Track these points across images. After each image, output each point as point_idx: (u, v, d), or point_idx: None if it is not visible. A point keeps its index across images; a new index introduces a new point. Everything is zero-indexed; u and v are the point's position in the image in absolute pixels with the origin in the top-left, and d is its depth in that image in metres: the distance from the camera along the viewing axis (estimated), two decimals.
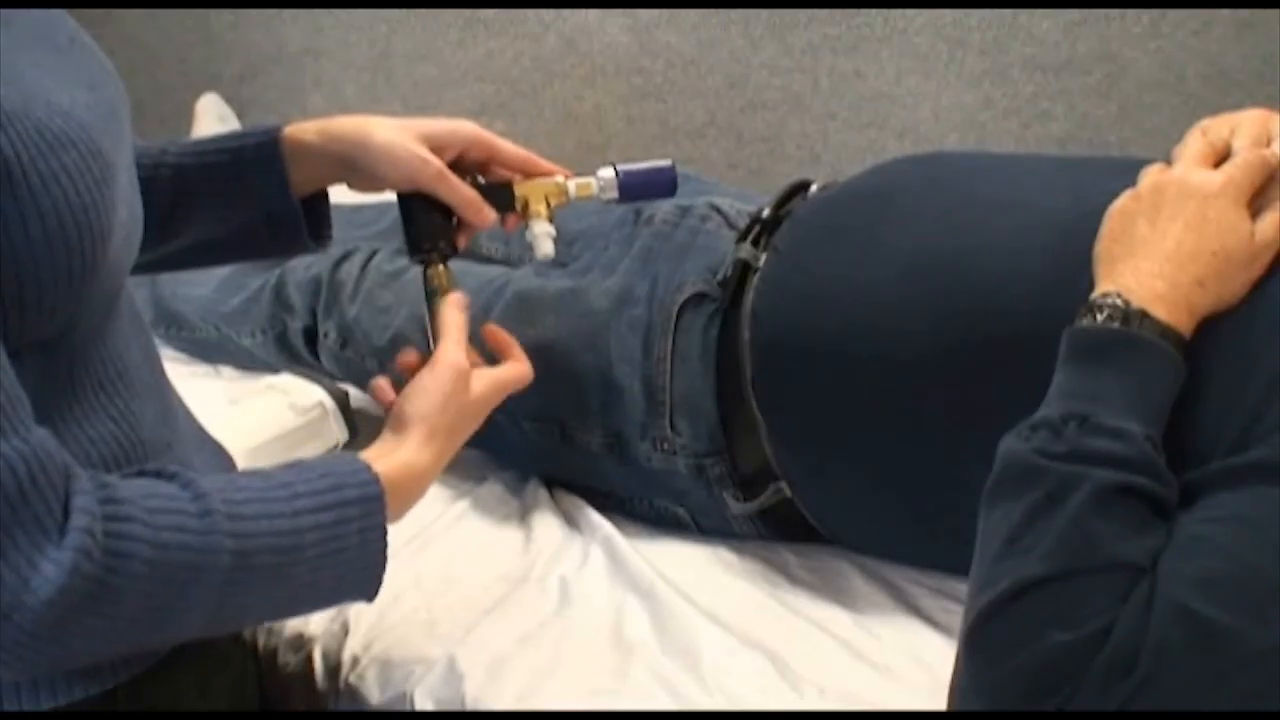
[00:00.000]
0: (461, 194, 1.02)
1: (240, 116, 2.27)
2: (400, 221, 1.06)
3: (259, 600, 0.76)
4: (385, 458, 0.87)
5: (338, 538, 0.78)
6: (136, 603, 0.69)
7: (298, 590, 0.78)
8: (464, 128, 1.04)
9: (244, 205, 1.00)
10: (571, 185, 1.09)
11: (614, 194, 1.11)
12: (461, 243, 1.07)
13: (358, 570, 0.81)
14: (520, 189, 1.08)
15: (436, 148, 1.01)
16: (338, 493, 0.79)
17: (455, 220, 1.05)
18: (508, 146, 1.06)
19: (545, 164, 1.09)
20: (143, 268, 0.98)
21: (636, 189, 1.12)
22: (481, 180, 1.08)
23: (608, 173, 1.11)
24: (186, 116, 2.24)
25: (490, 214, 1.04)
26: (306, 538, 0.76)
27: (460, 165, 1.05)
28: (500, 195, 1.07)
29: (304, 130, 1.00)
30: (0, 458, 0.65)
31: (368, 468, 0.82)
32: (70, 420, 0.77)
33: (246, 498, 0.74)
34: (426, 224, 1.04)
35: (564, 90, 2.03)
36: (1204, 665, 0.70)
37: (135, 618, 0.69)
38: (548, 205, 1.08)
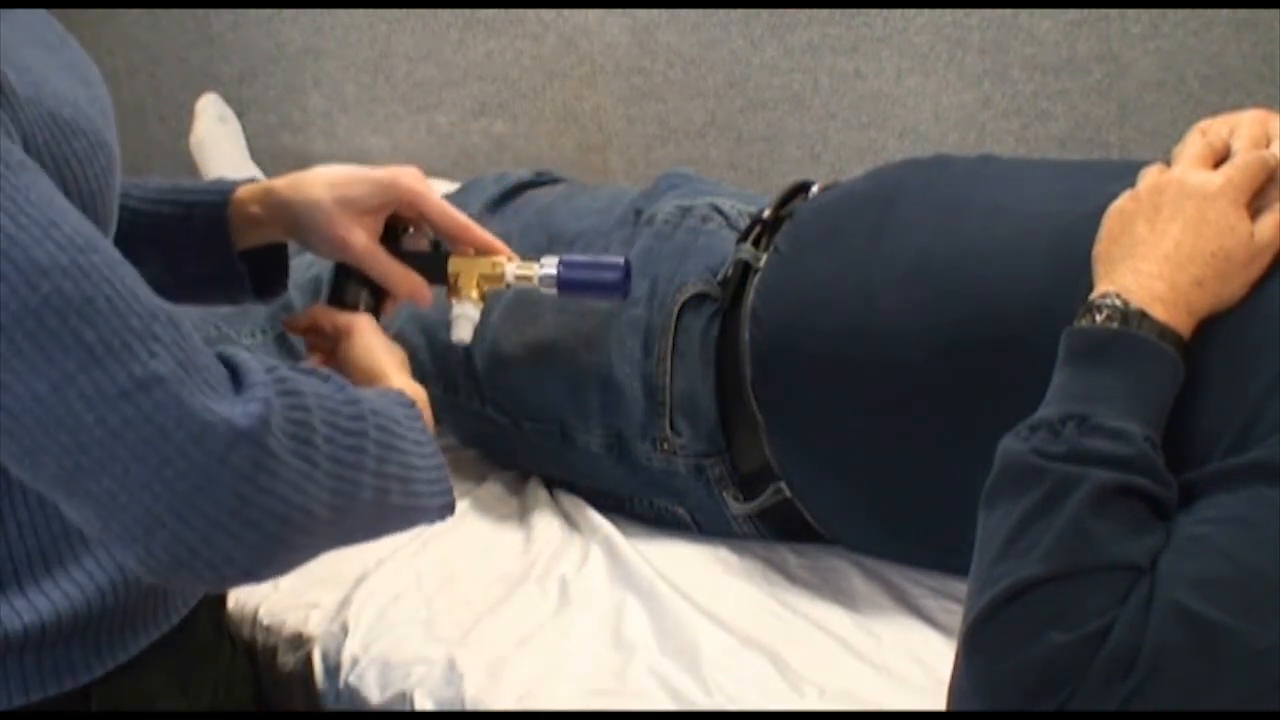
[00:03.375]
0: (389, 273, 0.97)
1: (240, 116, 2.28)
2: None
3: (399, 467, 0.74)
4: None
5: (411, 423, 0.78)
6: (326, 451, 0.66)
7: (415, 466, 0.77)
8: (397, 186, 0.97)
9: (190, 260, 0.98)
10: (511, 269, 1.00)
11: (553, 289, 1.01)
12: (389, 308, 1.02)
13: (435, 456, 0.80)
14: (455, 263, 0.99)
15: (368, 207, 0.96)
16: (380, 389, 0.81)
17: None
18: (438, 208, 0.99)
19: (478, 233, 1.00)
20: None
21: (579, 286, 1.01)
22: (430, 241, 1.02)
23: (551, 262, 1.01)
24: (186, 116, 2.24)
25: (425, 296, 0.98)
26: (396, 412, 0.77)
27: (402, 219, 1.01)
28: (432, 263, 0.99)
29: (251, 198, 0.98)
30: (166, 305, 0.64)
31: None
32: None
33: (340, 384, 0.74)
34: (351, 288, 0.98)
35: (564, 90, 2.03)
36: (1203, 665, 0.70)
37: (330, 468, 0.67)
38: (479, 287, 0.99)
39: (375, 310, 0.99)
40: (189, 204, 0.98)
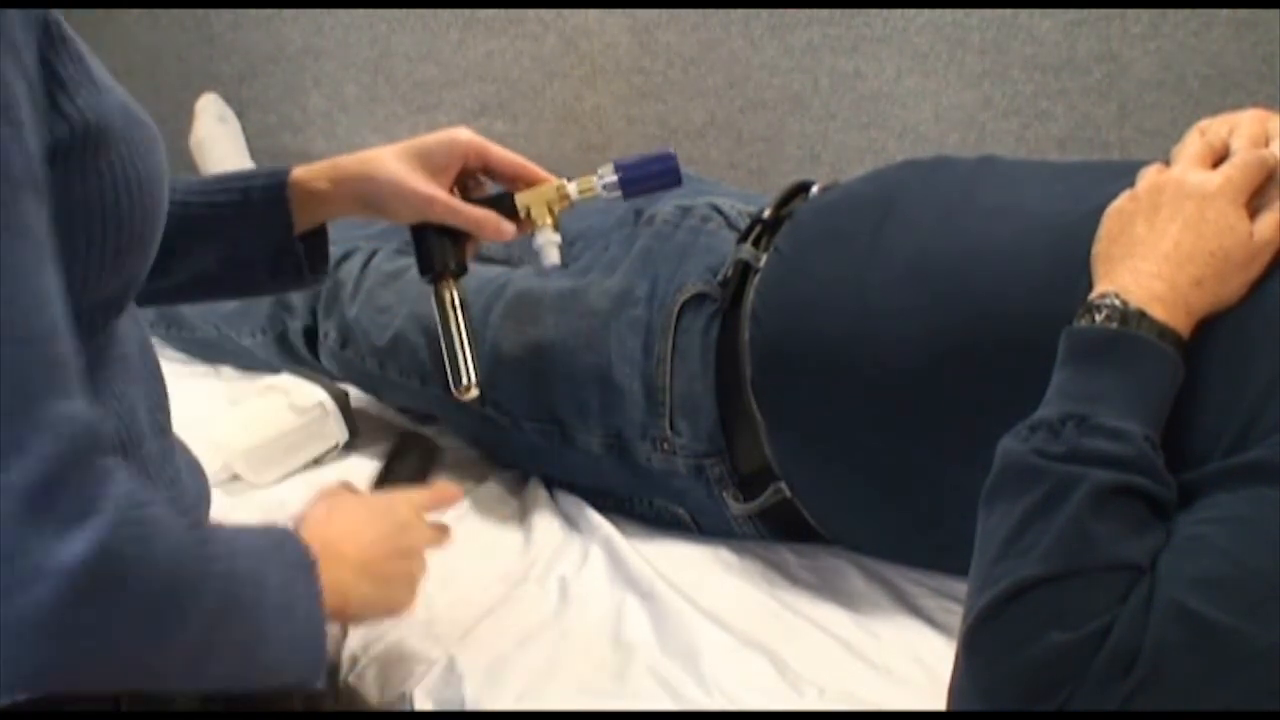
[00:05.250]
0: (473, 217, 1.04)
1: (240, 116, 2.27)
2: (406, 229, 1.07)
3: (232, 637, 0.73)
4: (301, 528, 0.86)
5: (288, 585, 0.76)
6: (139, 605, 0.66)
7: (266, 632, 0.75)
8: (459, 141, 1.04)
9: (246, 245, 1.02)
10: (573, 187, 1.08)
11: (617, 191, 1.09)
12: (471, 253, 1.09)
13: (308, 625, 0.79)
14: (521, 197, 1.06)
15: (439, 166, 1.03)
16: (272, 540, 0.79)
17: (463, 238, 1.06)
18: (500, 154, 1.06)
19: (538, 171, 1.08)
20: (137, 300, 0.99)
21: (639, 182, 1.09)
22: (491, 187, 1.09)
23: (608, 169, 1.09)
24: (186, 116, 2.24)
25: (509, 227, 1.05)
26: (269, 574, 0.75)
27: (465, 173, 1.06)
28: (501, 205, 1.06)
29: (314, 175, 1.02)
30: (72, 415, 0.64)
31: (298, 538, 0.81)
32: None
33: (213, 529, 0.75)
34: (437, 246, 1.05)
35: (564, 90, 2.03)
36: (1203, 665, 0.70)
37: (134, 625, 0.66)
38: (551, 212, 1.07)
39: (461, 262, 1.06)
40: (244, 188, 1.02)
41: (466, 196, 1.07)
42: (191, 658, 0.71)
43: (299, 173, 1.02)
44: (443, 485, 1.03)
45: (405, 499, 0.98)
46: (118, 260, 0.75)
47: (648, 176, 1.09)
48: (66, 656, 0.64)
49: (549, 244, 1.06)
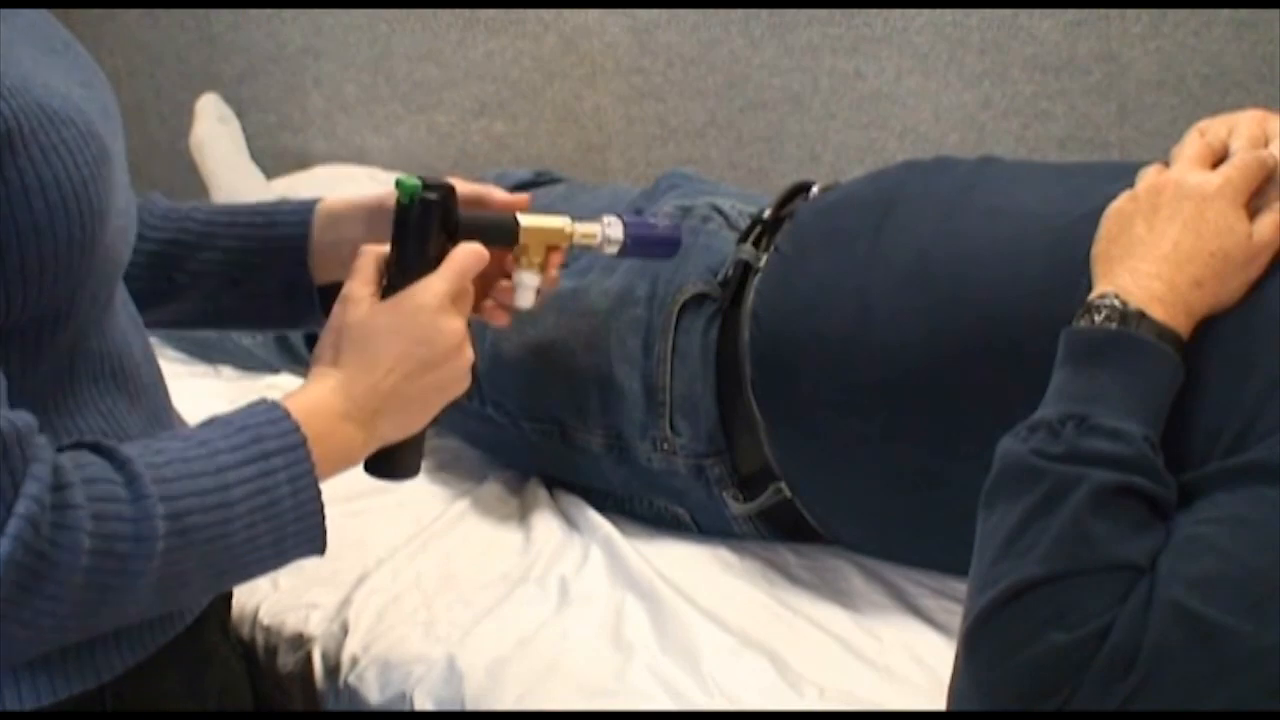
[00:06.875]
0: (479, 188, 1.00)
1: (240, 116, 2.28)
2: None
3: (200, 565, 0.74)
4: (296, 396, 0.84)
5: (266, 490, 0.76)
6: (79, 586, 0.68)
7: (238, 550, 0.76)
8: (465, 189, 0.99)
9: (260, 270, 1.01)
10: (578, 228, 1.03)
11: (615, 247, 1.05)
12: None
13: (297, 521, 0.78)
14: (526, 220, 1.00)
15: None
16: (259, 445, 0.77)
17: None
18: (503, 198, 1.03)
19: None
20: (147, 325, 0.98)
21: (641, 246, 1.06)
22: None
23: (616, 223, 1.05)
24: (186, 116, 2.24)
25: (520, 200, 1.03)
26: (233, 493, 0.74)
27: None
28: (502, 224, 1.01)
29: (338, 200, 1.02)
30: None
31: (286, 415, 0.79)
32: (61, 410, 0.78)
33: (168, 459, 0.73)
34: (418, 258, 0.93)
35: (564, 90, 2.03)
36: (1203, 665, 0.70)
37: (81, 600, 0.69)
38: (545, 254, 1.01)
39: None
40: (269, 211, 1.01)
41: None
42: (156, 600, 0.73)
43: (325, 201, 1.02)
44: (463, 250, 0.92)
45: (420, 307, 0.88)
46: (44, 271, 0.71)
47: (651, 243, 1.07)
48: (11, 648, 0.68)
49: (523, 286, 1.01)
